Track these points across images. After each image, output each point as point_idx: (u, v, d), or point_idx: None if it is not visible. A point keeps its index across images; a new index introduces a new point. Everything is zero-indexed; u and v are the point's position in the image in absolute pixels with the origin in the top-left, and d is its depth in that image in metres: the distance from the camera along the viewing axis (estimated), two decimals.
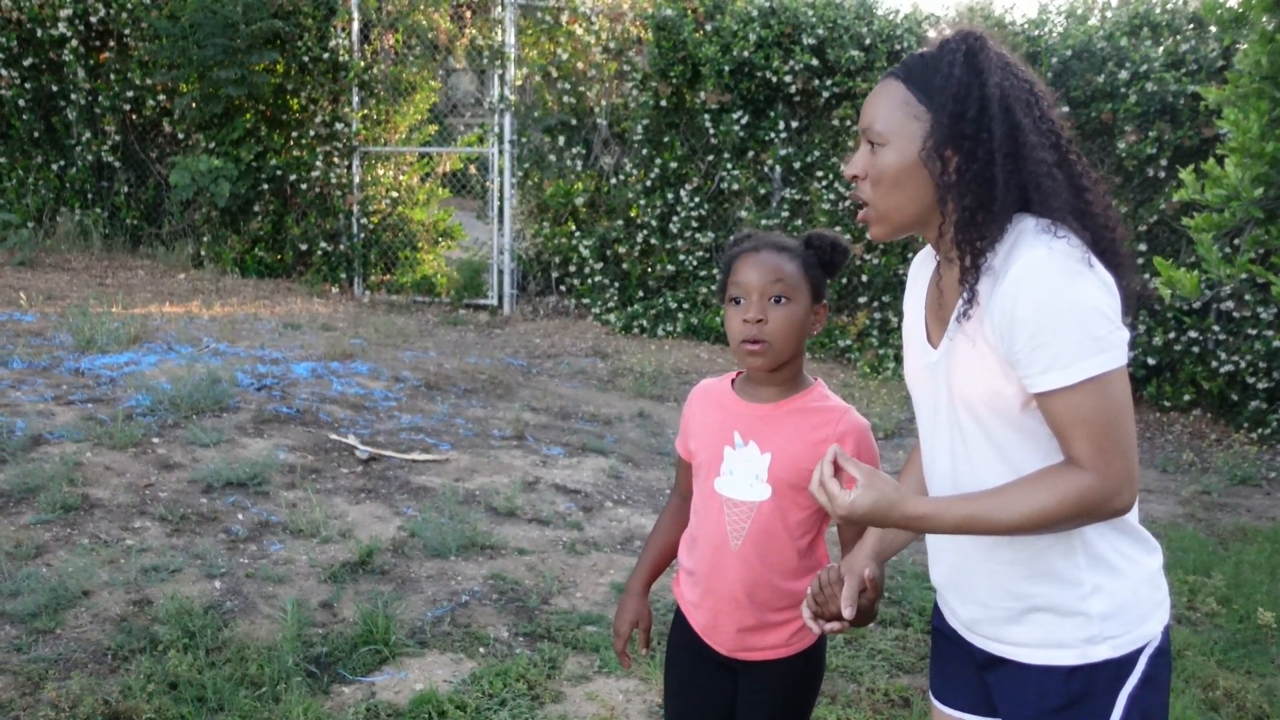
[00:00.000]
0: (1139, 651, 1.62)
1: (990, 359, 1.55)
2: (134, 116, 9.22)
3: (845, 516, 1.58)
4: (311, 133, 8.89)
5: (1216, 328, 7.40)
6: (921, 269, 1.84)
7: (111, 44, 9.16)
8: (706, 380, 2.13)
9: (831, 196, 8.28)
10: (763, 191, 8.51)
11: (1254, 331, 7.26)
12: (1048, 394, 1.50)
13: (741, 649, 2.05)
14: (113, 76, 9.06)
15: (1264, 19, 4.00)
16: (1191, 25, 7.79)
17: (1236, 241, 6.02)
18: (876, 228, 1.67)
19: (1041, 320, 1.48)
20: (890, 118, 1.59)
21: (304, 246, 9.02)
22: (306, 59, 8.77)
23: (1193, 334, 7.43)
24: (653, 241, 8.59)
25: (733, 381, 2.08)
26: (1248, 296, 7.23)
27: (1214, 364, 7.38)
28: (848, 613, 1.78)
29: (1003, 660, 1.68)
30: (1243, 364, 7.28)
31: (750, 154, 8.47)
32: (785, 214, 8.42)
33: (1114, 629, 1.60)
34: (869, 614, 1.85)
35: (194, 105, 8.73)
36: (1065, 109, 1.75)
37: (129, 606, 3.46)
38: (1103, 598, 1.60)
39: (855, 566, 1.82)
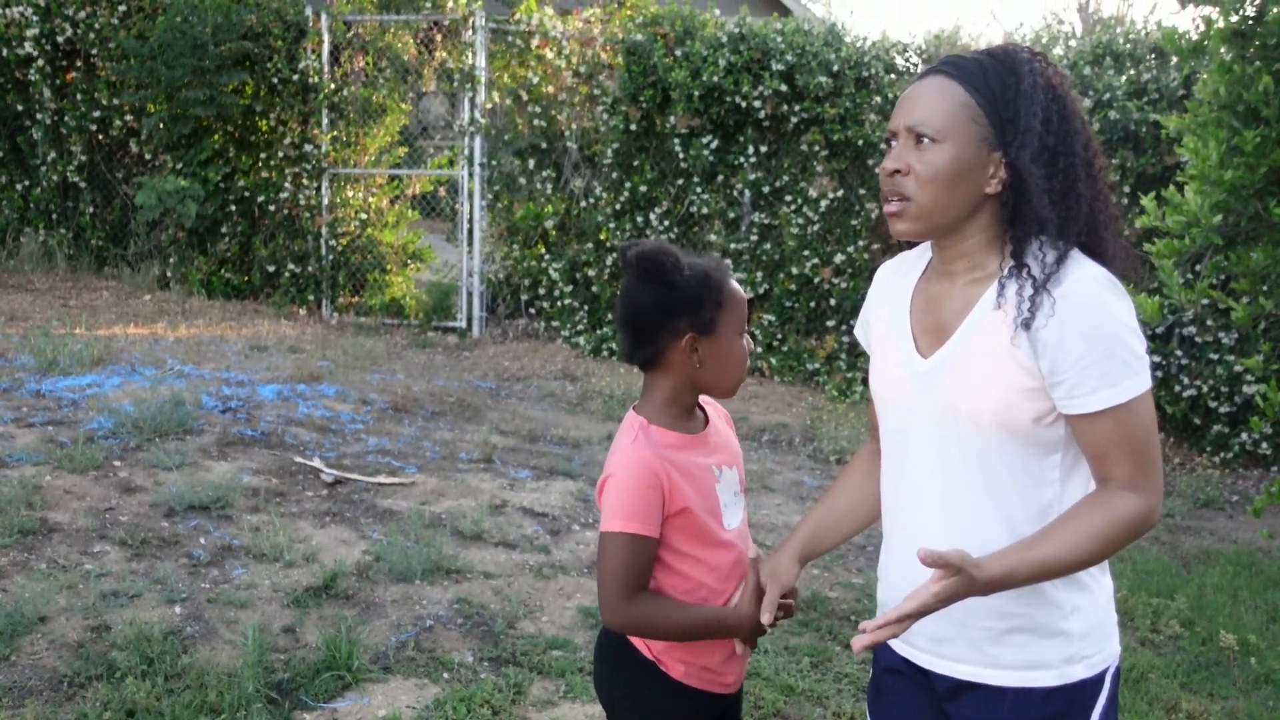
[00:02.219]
0: (1105, 671, 1.63)
1: (1016, 373, 1.55)
2: (100, 137, 9.14)
3: (935, 608, 1.50)
4: (280, 154, 8.85)
5: (1179, 352, 7.49)
6: (897, 277, 1.81)
7: (78, 64, 9.09)
8: (638, 447, 1.86)
9: (800, 221, 8.32)
10: (732, 215, 8.55)
11: (1216, 356, 7.34)
12: (1094, 414, 1.52)
13: (743, 674, 2.03)
14: (79, 96, 8.99)
15: (1222, 49, 4.07)
16: (1153, 55, 7.92)
17: (1198, 267, 6.11)
18: (910, 224, 1.62)
19: (1093, 340, 1.51)
20: (950, 116, 1.57)
21: (272, 268, 8.96)
22: (276, 80, 8.74)
23: (1156, 358, 7.51)
24: None
25: (647, 429, 1.89)
26: (1209, 322, 7.32)
27: (1177, 388, 7.45)
28: (766, 618, 1.80)
29: (971, 686, 1.65)
30: (1205, 388, 7.36)
31: (720, 178, 8.51)
32: (754, 238, 8.46)
33: (1089, 648, 1.61)
34: (787, 613, 1.89)
35: (162, 126, 8.67)
36: None
37: (86, 633, 3.40)
38: (1080, 617, 1.61)
39: (779, 572, 1.84)
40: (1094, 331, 1.51)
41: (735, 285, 1.92)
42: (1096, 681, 1.62)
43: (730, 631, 1.86)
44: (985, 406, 1.58)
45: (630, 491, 1.81)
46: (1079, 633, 1.61)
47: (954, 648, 1.67)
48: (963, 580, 1.48)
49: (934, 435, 1.65)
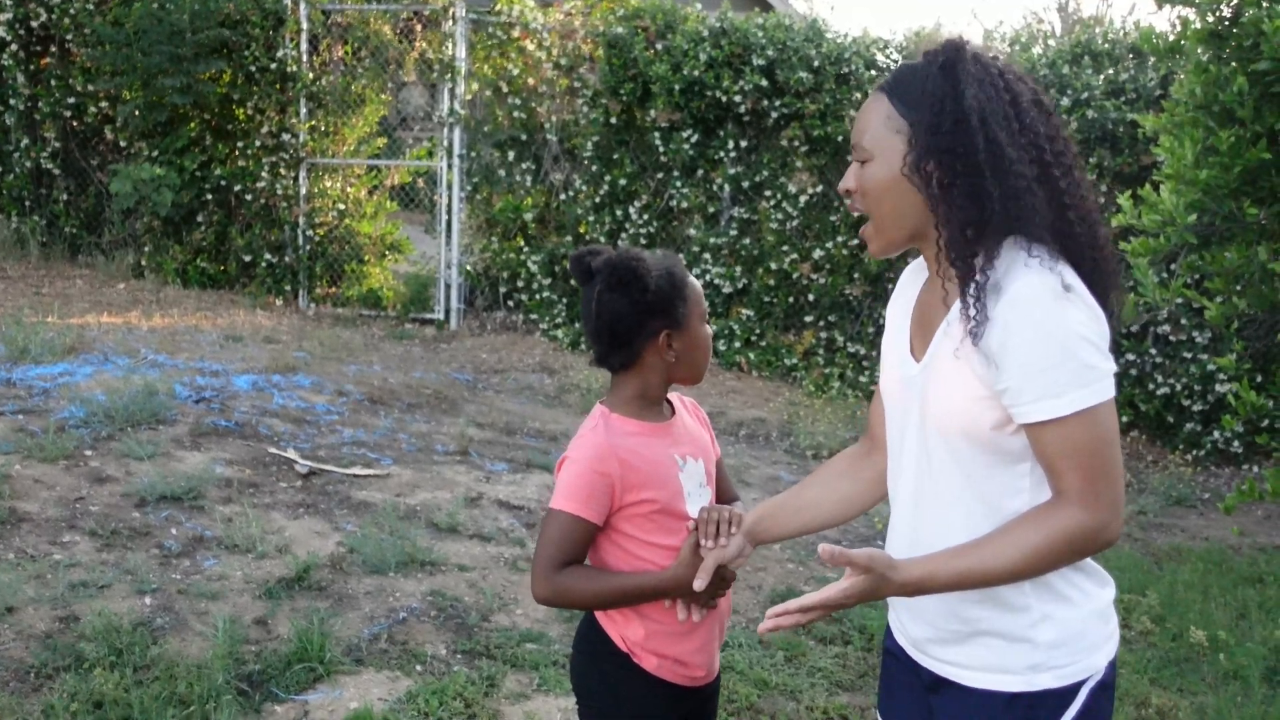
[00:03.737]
0: (1081, 684, 1.59)
1: (971, 381, 1.53)
2: (75, 123, 9.05)
3: (842, 605, 1.54)
4: (258, 143, 8.78)
5: (1154, 351, 7.54)
6: (911, 280, 1.80)
7: (53, 49, 8.99)
8: (596, 434, 1.91)
9: (780, 216, 8.33)
10: (712, 210, 8.55)
11: (1189, 355, 7.40)
12: (1039, 424, 1.48)
13: (715, 667, 2.03)
14: (53, 83, 8.88)
15: (1199, 50, 4.09)
16: (1131, 55, 7.97)
17: (1173, 266, 6.15)
18: (873, 243, 1.65)
19: (1035, 349, 1.46)
20: (875, 132, 1.58)
21: (248, 258, 8.89)
22: (254, 69, 8.66)
23: (1131, 357, 7.57)
24: None
25: (609, 418, 1.94)
26: (1183, 321, 7.38)
27: (1151, 386, 7.51)
28: (699, 584, 1.81)
29: (947, 682, 1.66)
30: (1179, 386, 7.42)
31: (700, 172, 8.51)
32: (734, 233, 8.46)
33: (1060, 659, 1.58)
34: (725, 583, 1.91)
35: (137, 113, 8.58)
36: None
37: (55, 623, 3.37)
38: (1051, 626, 1.58)
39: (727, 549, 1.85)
40: (1037, 339, 1.46)
41: (691, 276, 1.99)
42: (1066, 693, 1.58)
43: (657, 595, 1.89)
44: (948, 412, 1.57)
45: (579, 475, 1.87)
46: (1047, 642, 1.58)
47: (930, 647, 1.68)
48: (872, 580, 1.51)
49: (917, 438, 1.65)
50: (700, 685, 1.99)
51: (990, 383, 1.51)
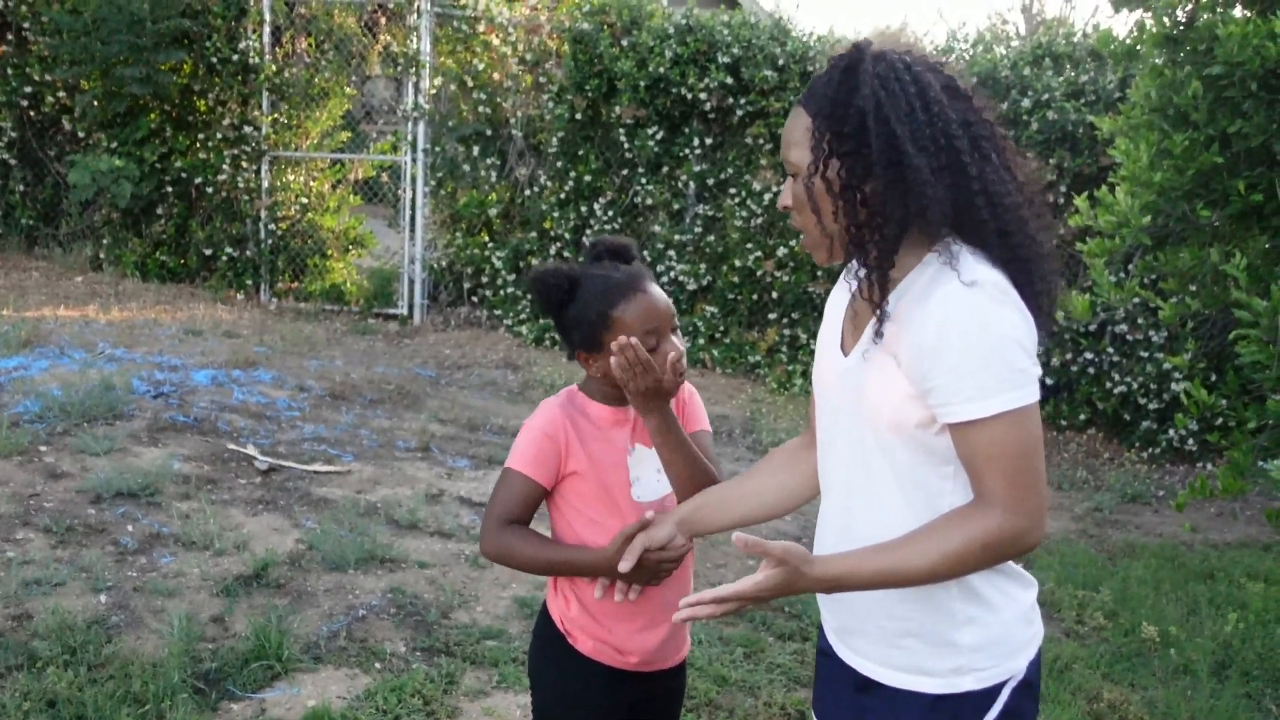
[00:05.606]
0: (1003, 684, 1.61)
1: (898, 378, 1.54)
2: (32, 113, 8.90)
3: (757, 598, 1.54)
4: (219, 135, 8.68)
5: (1111, 350, 7.64)
6: (850, 275, 1.82)
7: (9, 37, 8.85)
8: (554, 403, 2.02)
9: (744, 213, 8.36)
10: (677, 207, 8.56)
11: (1146, 354, 7.50)
12: (965, 425, 1.48)
13: (664, 658, 2.04)
14: (10, 71, 8.73)
15: (1154, 53, 4.15)
16: (1091, 58, 8.05)
17: (1129, 267, 6.23)
18: (814, 254, 1.66)
19: (967, 349, 1.46)
20: (796, 146, 1.58)
21: (209, 251, 8.79)
22: (215, 60, 8.57)
23: (1089, 355, 7.66)
24: (566, 254, 8.58)
25: (573, 394, 2.04)
26: (1140, 320, 7.48)
27: (1108, 385, 7.61)
28: (624, 566, 1.84)
29: (874, 683, 1.67)
30: (1135, 385, 7.52)
31: (665, 169, 8.52)
32: (698, 230, 8.47)
33: (981, 662, 1.60)
34: (666, 571, 1.92)
35: (96, 103, 8.47)
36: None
37: (7, 621, 3.33)
38: (975, 630, 1.59)
39: (651, 527, 1.87)
40: (969, 340, 1.47)
41: (641, 301, 1.92)
42: (988, 695, 1.60)
43: (589, 570, 1.94)
44: (877, 409, 1.58)
45: (529, 438, 1.97)
46: (970, 645, 1.59)
47: (857, 641, 1.69)
48: (787, 573, 1.51)
49: (846, 433, 1.65)
50: (638, 671, 2.01)
51: (918, 380, 1.51)
